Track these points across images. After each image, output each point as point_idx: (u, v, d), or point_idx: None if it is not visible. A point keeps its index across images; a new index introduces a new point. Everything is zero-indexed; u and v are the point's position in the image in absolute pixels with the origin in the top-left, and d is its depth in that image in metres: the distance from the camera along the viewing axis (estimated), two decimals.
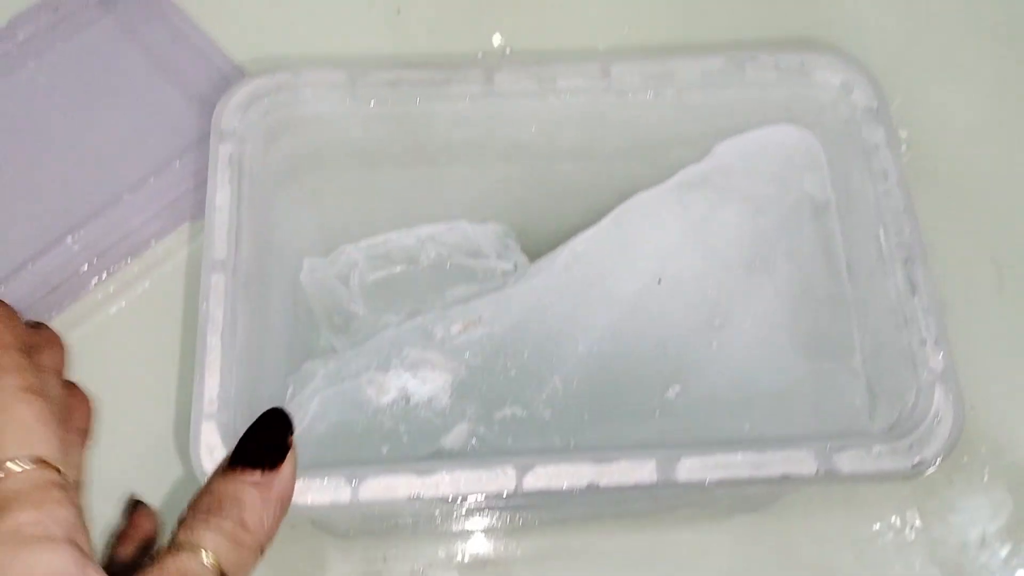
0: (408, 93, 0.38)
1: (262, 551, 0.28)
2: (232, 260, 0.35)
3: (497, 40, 0.56)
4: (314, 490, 0.31)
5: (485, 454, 0.36)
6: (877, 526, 0.47)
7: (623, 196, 0.42)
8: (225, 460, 0.29)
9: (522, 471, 0.32)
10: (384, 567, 0.43)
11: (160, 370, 0.46)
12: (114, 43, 0.53)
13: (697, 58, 0.39)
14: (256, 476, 0.28)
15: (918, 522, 0.47)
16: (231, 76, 0.51)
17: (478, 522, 0.43)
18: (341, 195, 0.43)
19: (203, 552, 0.26)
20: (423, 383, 0.36)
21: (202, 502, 0.28)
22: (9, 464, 0.24)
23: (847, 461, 0.32)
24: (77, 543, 0.23)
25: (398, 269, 0.41)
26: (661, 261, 0.38)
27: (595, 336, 0.38)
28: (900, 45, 0.55)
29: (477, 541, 0.45)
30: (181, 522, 0.27)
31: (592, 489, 0.32)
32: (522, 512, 0.42)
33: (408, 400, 0.36)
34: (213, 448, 0.32)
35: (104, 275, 0.48)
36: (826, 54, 0.39)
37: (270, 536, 0.28)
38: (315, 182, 0.43)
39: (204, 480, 0.31)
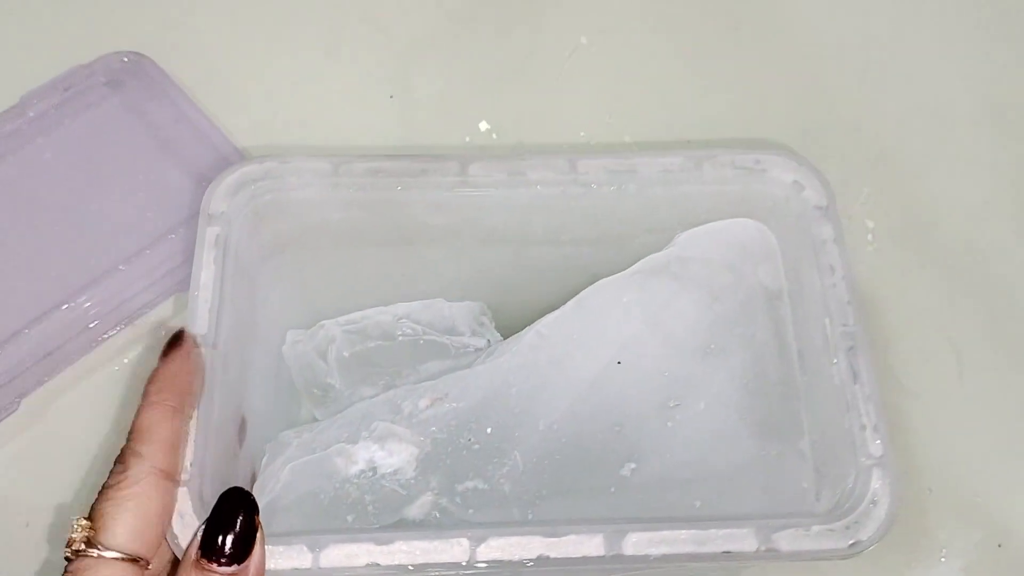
0: (387, 182, 0.41)
1: None
2: (212, 335, 0.37)
3: (484, 126, 0.59)
4: (277, 556, 0.33)
5: (445, 525, 0.37)
6: None
7: (593, 278, 0.44)
8: (194, 547, 0.32)
9: (476, 542, 0.33)
10: None
11: None
12: (120, 122, 0.56)
13: (657, 156, 0.41)
14: (230, 570, 0.31)
15: None
16: (230, 156, 0.54)
17: None
18: (323, 273, 0.46)
19: None
20: (390, 455, 0.38)
21: None
22: None
23: (786, 540, 0.34)
24: None
25: (373, 345, 0.43)
26: (621, 344, 0.40)
27: (555, 415, 0.39)
28: (869, 140, 0.58)
29: None
30: None
31: (542, 561, 0.33)
32: None
33: (375, 471, 0.38)
34: (184, 514, 0.33)
35: (98, 342, 0.50)
36: (779, 154, 0.42)
37: None
38: (299, 261, 0.45)
39: (172, 541, 0.33)
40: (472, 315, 0.47)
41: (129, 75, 0.57)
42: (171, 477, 0.33)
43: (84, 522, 0.31)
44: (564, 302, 0.44)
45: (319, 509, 0.37)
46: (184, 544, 0.33)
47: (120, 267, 0.50)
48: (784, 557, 0.34)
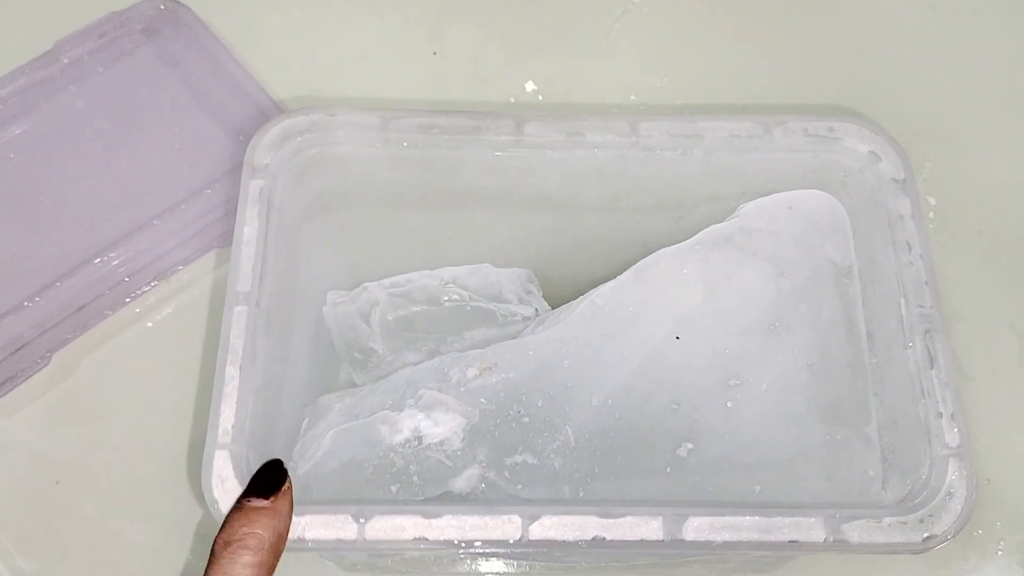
0: (438, 139, 0.39)
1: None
2: (256, 293, 0.35)
3: (530, 87, 0.57)
4: (320, 526, 0.31)
5: (493, 500, 0.36)
6: None
7: (645, 250, 0.42)
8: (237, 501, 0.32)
9: (528, 520, 0.32)
10: None
11: (178, 394, 0.47)
12: (154, 71, 0.54)
13: (725, 120, 0.39)
14: (264, 503, 0.31)
15: None
16: (268, 110, 0.52)
17: (483, 566, 0.43)
18: (367, 234, 0.44)
19: None
20: (436, 424, 0.37)
21: (222, 536, 0.30)
22: None
23: (856, 531, 0.32)
24: None
25: (419, 309, 0.41)
26: (680, 318, 0.38)
27: (609, 390, 0.38)
28: (932, 113, 0.55)
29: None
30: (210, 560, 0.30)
31: (597, 543, 0.32)
32: (527, 559, 0.42)
33: (420, 441, 0.36)
34: (224, 478, 0.32)
35: (130, 298, 0.49)
36: (855, 122, 0.39)
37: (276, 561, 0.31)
38: (342, 220, 0.43)
39: (212, 506, 0.32)
40: (519, 282, 0.45)
41: (165, 23, 0.55)
42: None
43: None
44: (613, 274, 0.42)
45: (362, 478, 0.36)
46: (224, 509, 0.32)
47: (154, 222, 0.48)
48: (853, 549, 0.32)
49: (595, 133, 0.39)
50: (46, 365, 0.47)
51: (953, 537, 0.32)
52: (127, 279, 0.48)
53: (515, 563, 0.43)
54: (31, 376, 0.47)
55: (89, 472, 0.45)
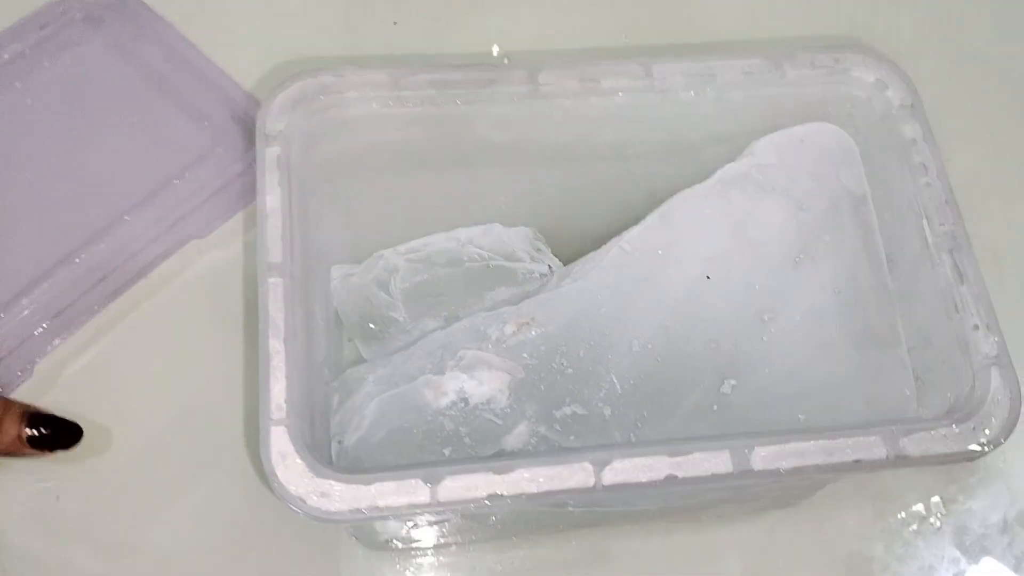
0: (452, 94, 0.38)
1: None
2: (288, 264, 0.34)
3: (496, 50, 0.56)
4: (390, 493, 0.31)
5: (552, 452, 0.35)
6: (903, 515, 0.48)
7: (653, 198, 0.42)
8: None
9: (599, 466, 0.31)
10: None
11: (169, 393, 0.45)
12: (104, 61, 0.51)
13: (737, 58, 0.39)
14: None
15: (942, 510, 0.48)
16: (231, 92, 0.50)
17: (514, 528, 0.43)
18: (372, 201, 0.43)
19: None
20: (480, 384, 0.36)
21: None
22: None
23: (915, 444, 0.33)
24: None
25: (441, 272, 0.41)
26: (708, 258, 0.39)
27: (647, 334, 0.37)
28: (930, 46, 0.56)
29: (512, 547, 0.44)
30: None
31: (670, 481, 0.32)
32: (559, 517, 0.42)
33: (467, 402, 0.36)
34: (285, 454, 0.31)
35: (108, 299, 0.46)
36: (860, 53, 0.40)
37: None
38: (347, 188, 0.42)
39: (277, 487, 0.31)
40: (527, 240, 0.45)
41: (108, 10, 0.52)
42: None
43: None
44: (617, 225, 0.42)
45: (412, 444, 0.35)
46: (288, 486, 0.30)
47: (125, 217, 0.46)
48: (914, 462, 0.33)
49: (609, 78, 0.39)
50: (30, 376, 0.45)
51: (1005, 441, 0.33)
52: (103, 279, 0.46)
53: (546, 523, 0.43)
54: (16, 388, 0.44)
55: (85, 487, 0.43)
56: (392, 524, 0.39)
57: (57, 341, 0.45)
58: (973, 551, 0.47)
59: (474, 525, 0.41)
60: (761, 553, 0.47)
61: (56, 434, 0.41)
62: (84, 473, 0.43)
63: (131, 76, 0.51)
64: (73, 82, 0.50)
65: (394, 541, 0.43)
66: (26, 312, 0.44)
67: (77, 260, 0.45)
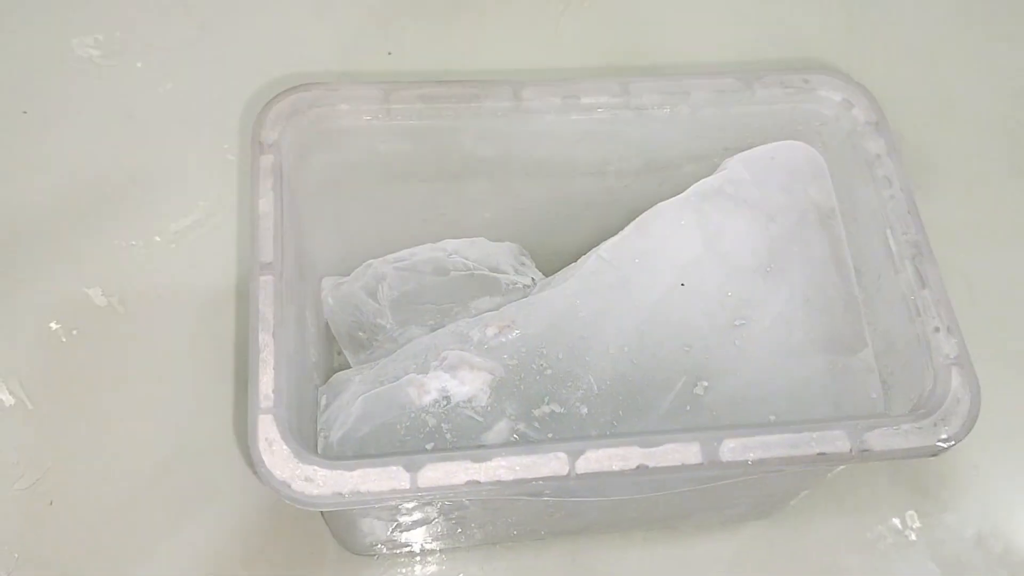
0: (440, 108, 0.40)
1: None
2: (279, 264, 0.35)
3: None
4: (373, 479, 0.32)
5: (532, 444, 0.37)
6: (880, 528, 0.49)
7: (633, 214, 0.44)
8: None
9: (573, 456, 0.33)
10: None
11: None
12: None
13: (711, 78, 0.41)
14: None
15: (917, 523, 0.49)
16: None
17: (495, 534, 0.44)
18: (363, 211, 0.44)
19: None
20: (462, 383, 0.37)
21: None
22: None
23: (878, 439, 0.34)
24: None
25: (428, 280, 0.42)
26: (683, 266, 0.40)
27: (624, 338, 0.39)
28: (894, 69, 0.59)
29: (495, 557, 0.45)
30: None
31: (642, 471, 0.33)
32: (541, 520, 0.43)
33: (449, 400, 0.37)
34: (272, 441, 0.32)
35: None
36: (827, 74, 0.42)
37: None
38: (338, 197, 0.44)
39: (263, 472, 0.32)
40: (512, 254, 0.46)
41: None
42: None
43: None
44: (599, 240, 0.44)
45: (396, 440, 0.36)
46: (274, 471, 0.32)
47: None
48: (876, 456, 0.34)
49: (589, 95, 0.41)
50: None
51: (964, 438, 0.35)
52: None
53: (528, 529, 0.44)
54: None
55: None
56: (377, 525, 0.40)
57: None
58: (948, 564, 0.48)
59: (457, 529, 0.42)
60: (739, 565, 0.48)
61: None
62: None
63: None
64: None
65: (379, 545, 0.44)
66: None
67: None
